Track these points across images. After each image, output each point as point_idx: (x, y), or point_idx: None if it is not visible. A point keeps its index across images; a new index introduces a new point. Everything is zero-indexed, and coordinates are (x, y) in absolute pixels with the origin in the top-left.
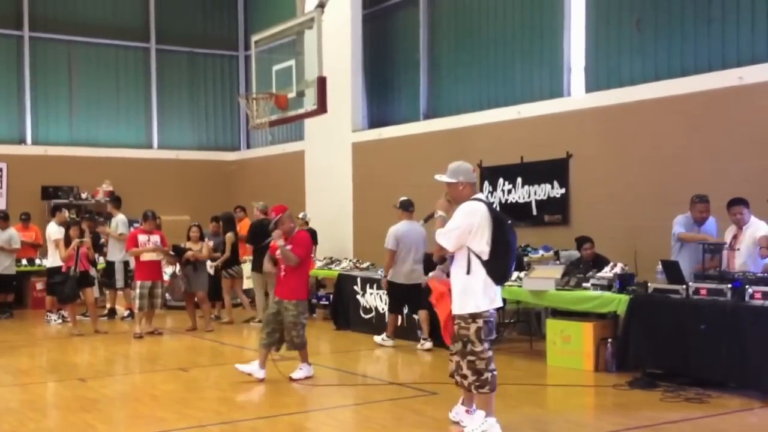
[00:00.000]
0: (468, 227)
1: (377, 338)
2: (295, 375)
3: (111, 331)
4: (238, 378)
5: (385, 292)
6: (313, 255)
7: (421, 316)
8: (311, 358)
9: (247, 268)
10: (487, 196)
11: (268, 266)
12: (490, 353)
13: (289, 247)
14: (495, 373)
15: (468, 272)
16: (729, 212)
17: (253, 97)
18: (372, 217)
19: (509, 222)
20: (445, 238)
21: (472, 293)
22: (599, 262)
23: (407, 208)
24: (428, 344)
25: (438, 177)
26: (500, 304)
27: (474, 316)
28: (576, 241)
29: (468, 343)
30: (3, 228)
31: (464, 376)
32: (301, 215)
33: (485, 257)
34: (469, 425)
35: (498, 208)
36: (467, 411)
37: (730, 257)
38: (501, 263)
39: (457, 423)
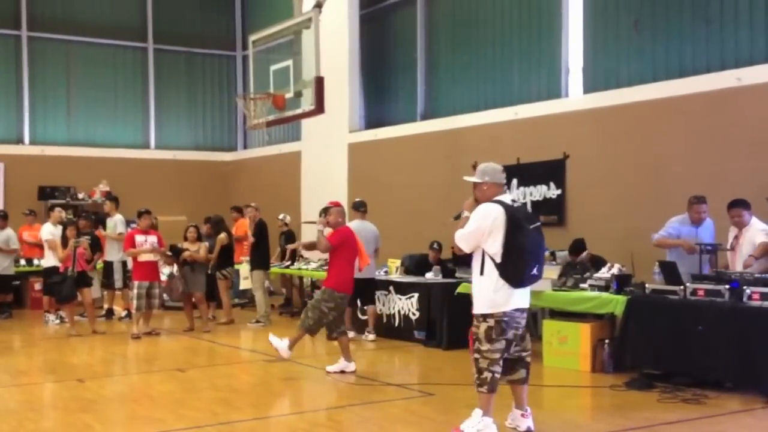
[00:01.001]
0: (481, 230)
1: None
2: (273, 340)
3: (109, 331)
4: (236, 378)
5: None
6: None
7: (369, 311)
8: (307, 359)
9: (245, 268)
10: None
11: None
12: (497, 355)
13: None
14: (497, 375)
15: (481, 273)
16: (729, 214)
17: (251, 97)
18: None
19: (534, 225)
20: (463, 239)
21: (484, 293)
22: (596, 263)
23: (358, 208)
24: (372, 336)
25: (466, 178)
26: (519, 305)
27: (485, 316)
28: (569, 248)
29: (476, 341)
30: (1, 228)
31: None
32: (280, 217)
33: (498, 260)
34: (465, 424)
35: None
36: (522, 415)
37: (731, 258)
38: (514, 267)
39: (513, 429)
